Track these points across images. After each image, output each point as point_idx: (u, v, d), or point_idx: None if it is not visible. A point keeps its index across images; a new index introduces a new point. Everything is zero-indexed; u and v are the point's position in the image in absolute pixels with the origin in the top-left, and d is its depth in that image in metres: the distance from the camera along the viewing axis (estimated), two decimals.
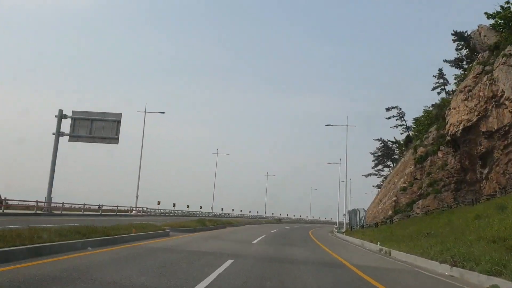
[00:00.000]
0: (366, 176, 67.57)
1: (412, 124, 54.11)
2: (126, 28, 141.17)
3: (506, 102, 30.36)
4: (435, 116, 45.38)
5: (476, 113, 34.84)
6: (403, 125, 56.78)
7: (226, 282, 7.21)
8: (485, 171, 34.08)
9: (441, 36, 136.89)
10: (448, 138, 37.77)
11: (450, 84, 54.80)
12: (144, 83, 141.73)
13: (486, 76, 33.37)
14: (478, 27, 39.39)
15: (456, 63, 53.80)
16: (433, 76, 55.34)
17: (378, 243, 20.95)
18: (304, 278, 8.40)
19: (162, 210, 52.46)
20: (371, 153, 64.83)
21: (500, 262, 9.67)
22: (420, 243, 16.93)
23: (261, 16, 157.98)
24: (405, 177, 44.31)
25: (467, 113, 35.69)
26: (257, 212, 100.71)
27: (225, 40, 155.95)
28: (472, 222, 18.89)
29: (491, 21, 37.92)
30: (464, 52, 52.55)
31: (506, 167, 30.63)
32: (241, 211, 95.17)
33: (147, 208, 46.63)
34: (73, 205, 37.11)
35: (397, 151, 61.22)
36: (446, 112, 39.36)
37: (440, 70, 55.19)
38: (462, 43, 53.39)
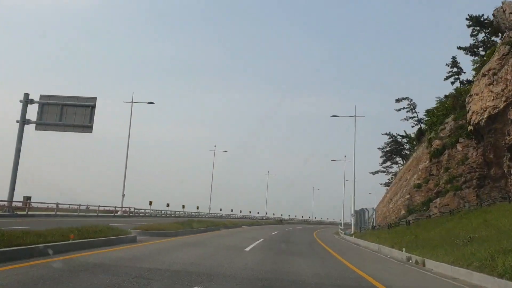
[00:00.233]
0: (374, 173, 63.41)
1: (424, 116, 49.85)
2: (124, 28, 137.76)
3: None
4: (451, 105, 41.12)
5: (503, 99, 30.65)
6: (414, 117, 52.54)
7: None
8: None
9: (451, 23, 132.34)
10: (471, 127, 33.54)
11: (464, 72, 50.57)
12: (144, 84, 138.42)
13: None
14: (502, 3, 35.16)
15: (471, 50, 49.58)
16: (446, 64, 51.12)
17: (403, 249, 16.75)
18: None
19: (152, 211, 48.30)
20: (379, 148, 60.61)
21: None
22: (465, 250, 12.73)
23: (261, 17, 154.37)
24: (419, 173, 40.08)
25: (493, 99, 31.47)
26: (258, 213, 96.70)
27: (224, 40, 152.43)
28: None
29: None
30: (480, 37, 48.42)
31: None
32: (240, 211, 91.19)
33: (134, 208, 42.48)
34: (49, 205, 32.97)
35: (408, 146, 56.98)
36: (467, 99, 35.14)
37: (454, 58, 50.98)
38: (478, 28, 49.33)
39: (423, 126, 50.42)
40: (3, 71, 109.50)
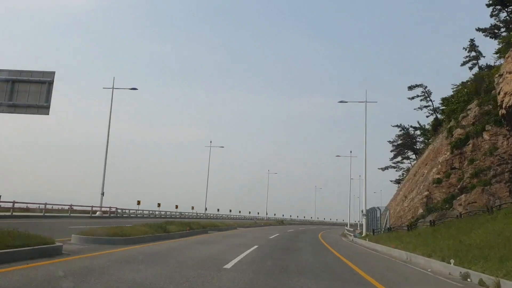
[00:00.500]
0: (383, 169, 58.40)
1: (440, 105, 45.00)
2: (124, 30, 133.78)
3: None
4: (474, 90, 36.32)
5: None
6: (429, 106, 47.68)
7: None
8: None
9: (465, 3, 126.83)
10: (503, 111, 28.70)
11: (484, 56, 45.72)
12: (144, 84, 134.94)
13: None
14: None
15: (492, 31, 44.78)
16: (463, 48, 46.30)
17: (451, 260, 11.99)
18: None
19: (139, 211, 43.54)
20: (389, 141, 55.61)
21: None
22: None
23: (265, 21, 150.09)
24: (439, 166, 35.28)
25: None
26: (258, 213, 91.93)
27: (225, 43, 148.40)
28: None
29: None
30: (503, 16, 43.61)
31: None
32: (240, 212, 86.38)
33: (116, 208, 37.73)
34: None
35: (421, 139, 52.07)
36: (496, 79, 30.33)
37: (472, 41, 46.16)
38: (499, 7, 44.54)
39: (439, 116, 45.52)
40: None
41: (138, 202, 48.35)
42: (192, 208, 67.09)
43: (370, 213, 40.52)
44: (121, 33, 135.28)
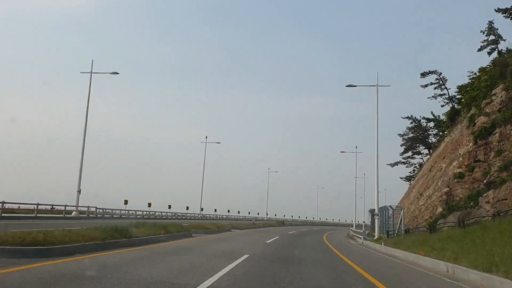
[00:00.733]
0: (392, 165, 53.93)
1: (456, 94, 40.81)
2: (124, 30, 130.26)
3: None
4: (498, 74, 32.13)
5: None
6: (444, 94, 43.39)
7: None
8: None
9: None
10: None
11: (504, 40, 41.46)
12: (143, 85, 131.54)
13: None
14: None
15: None
16: (481, 31, 42.01)
17: None
18: None
19: (125, 211, 39.42)
20: (399, 134, 51.18)
21: None
22: None
23: (267, 22, 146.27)
24: (460, 159, 31.11)
25: None
26: (258, 214, 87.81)
27: (225, 43, 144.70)
28: None
29: None
30: None
31: None
32: (238, 212, 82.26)
33: (96, 208, 33.58)
34: None
35: (435, 131, 47.72)
36: None
37: (490, 23, 41.88)
38: None
39: (455, 105, 41.26)
40: None
41: (125, 202, 44.23)
42: (187, 208, 63.11)
43: (380, 213, 36.43)
44: (120, 33, 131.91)
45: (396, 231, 29.75)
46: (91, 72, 33.06)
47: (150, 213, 43.66)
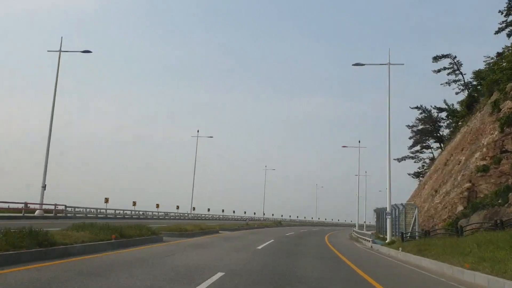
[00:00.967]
0: (399, 160, 49.44)
1: (472, 80, 36.69)
2: (124, 30, 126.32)
3: None
4: None
5: None
6: (459, 80, 39.21)
7: None
8: None
9: None
10: None
11: None
12: (142, 86, 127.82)
13: None
14: None
15: None
16: (499, 11, 37.89)
17: None
18: None
19: (103, 210, 35.19)
20: (408, 126, 46.70)
21: None
22: None
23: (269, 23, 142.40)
24: (484, 150, 26.99)
25: None
26: (254, 214, 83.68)
27: (225, 43, 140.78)
28: None
29: None
30: None
31: None
32: (234, 212, 78.12)
33: (66, 206, 29.23)
34: None
35: (446, 122, 43.52)
36: None
37: (509, 2, 37.72)
38: None
39: (470, 92, 37.06)
40: None
41: (106, 200, 40.08)
42: (177, 207, 59.00)
43: (396, 212, 32.36)
44: (120, 33, 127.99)
45: (409, 233, 25.59)
46: (60, 51, 28.93)
47: (133, 212, 39.43)
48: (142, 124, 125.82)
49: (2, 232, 8.39)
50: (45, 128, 27.76)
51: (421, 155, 48.17)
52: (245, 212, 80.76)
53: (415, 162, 48.77)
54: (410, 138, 47.40)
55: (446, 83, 40.15)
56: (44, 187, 27.12)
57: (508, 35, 38.11)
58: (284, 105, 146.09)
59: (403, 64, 27.70)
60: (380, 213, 40.36)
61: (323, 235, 36.98)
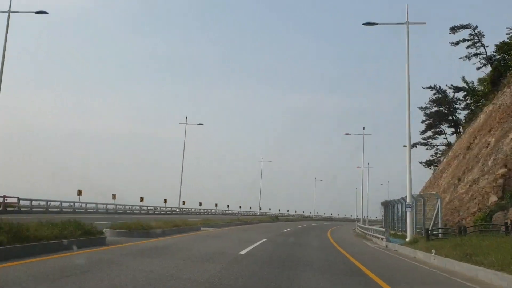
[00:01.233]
0: (411, 147, 44.35)
1: (495, 54, 31.93)
2: (119, 27, 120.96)
3: None
4: None
5: None
6: (480, 54, 34.43)
7: None
8: None
9: None
10: None
11: None
12: (140, 82, 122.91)
13: None
14: None
15: None
16: None
17: None
18: None
19: (69, 204, 30.50)
20: (420, 108, 41.44)
21: None
22: None
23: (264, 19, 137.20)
24: None
25: None
26: (250, 208, 79.06)
27: (224, 43, 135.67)
28: None
29: None
30: None
31: None
32: (228, 206, 73.51)
33: (19, 199, 24.48)
34: None
35: (464, 104, 38.59)
36: None
37: None
38: None
39: (495, 66, 32.28)
40: None
41: (79, 192, 35.45)
42: (165, 201, 54.54)
43: (402, 204, 27.95)
44: (116, 31, 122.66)
45: (429, 228, 20.92)
46: (9, 12, 24.09)
47: (108, 206, 34.65)
48: (142, 123, 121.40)
49: None
50: None
51: (434, 141, 43.34)
52: (240, 207, 76.02)
53: (427, 149, 43.90)
54: (422, 122, 42.44)
55: (466, 57, 35.37)
56: None
57: None
58: (282, 99, 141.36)
59: (424, 23, 22.86)
60: (389, 205, 35.83)
61: (325, 232, 32.39)
